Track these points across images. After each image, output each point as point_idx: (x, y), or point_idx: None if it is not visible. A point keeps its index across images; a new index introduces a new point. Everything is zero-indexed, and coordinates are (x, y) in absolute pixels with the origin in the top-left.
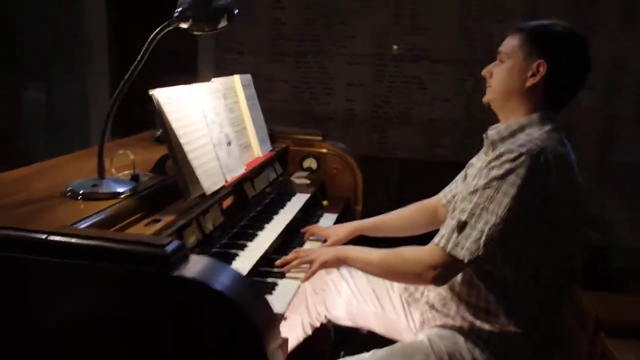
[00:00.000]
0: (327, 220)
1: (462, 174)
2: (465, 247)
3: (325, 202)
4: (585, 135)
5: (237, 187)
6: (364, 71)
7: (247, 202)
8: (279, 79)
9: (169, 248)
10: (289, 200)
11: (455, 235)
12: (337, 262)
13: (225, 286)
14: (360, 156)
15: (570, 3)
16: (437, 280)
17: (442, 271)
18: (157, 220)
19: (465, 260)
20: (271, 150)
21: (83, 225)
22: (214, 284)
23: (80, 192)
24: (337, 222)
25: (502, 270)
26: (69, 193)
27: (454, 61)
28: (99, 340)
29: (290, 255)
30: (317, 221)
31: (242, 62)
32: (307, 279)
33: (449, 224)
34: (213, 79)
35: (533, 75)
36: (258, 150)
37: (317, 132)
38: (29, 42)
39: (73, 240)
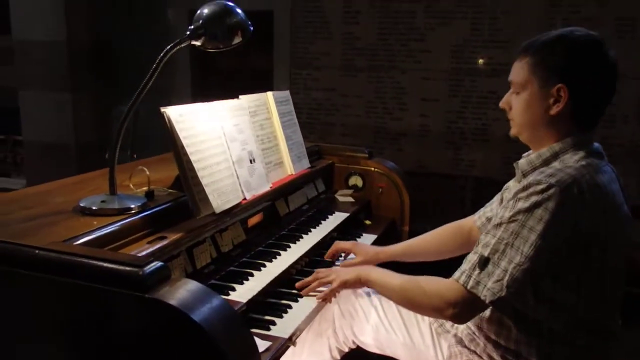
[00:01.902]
0: (365, 241)
1: (498, 196)
2: (487, 287)
3: (368, 222)
4: None
5: (268, 205)
6: (439, 86)
7: (279, 220)
8: (352, 94)
9: (147, 269)
10: (324, 219)
11: (476, 272)
12: (358, 283)
13: (201, 315)
14: (433, 173)
15: None
16: (456, 318)
17: (462, 309)
18: (163, 238)
19: (487, 301)
20: (309, 168)
21: (80, 241)
22: (189, 311)
23: (90, 207)
24: (375, 243)
25: (535, 310)
26: (80, 208)
27: None
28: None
29: (310, 277)
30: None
31: (317, 77)
32: (324, 297)
33: (471, 258)
34: (240, 96)
35: (556, 102)
36: (291, 168)
37: (364, 149)
38: (125, 62)
39: (54, 256)
